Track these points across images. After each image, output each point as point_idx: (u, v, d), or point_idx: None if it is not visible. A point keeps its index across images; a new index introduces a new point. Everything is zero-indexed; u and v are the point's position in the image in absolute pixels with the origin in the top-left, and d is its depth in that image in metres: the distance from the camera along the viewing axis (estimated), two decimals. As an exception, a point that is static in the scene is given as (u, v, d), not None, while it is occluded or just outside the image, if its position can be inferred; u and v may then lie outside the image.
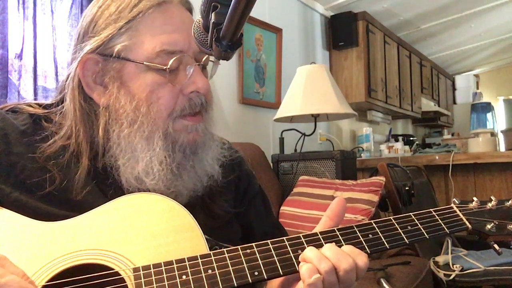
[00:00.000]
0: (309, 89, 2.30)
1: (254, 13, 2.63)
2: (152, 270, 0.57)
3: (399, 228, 0.66)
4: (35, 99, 1.54)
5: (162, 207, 0.64)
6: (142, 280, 0.56)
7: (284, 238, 0.62)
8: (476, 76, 6.73)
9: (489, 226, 0.70)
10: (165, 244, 0.61)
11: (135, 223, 0.63)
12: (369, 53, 3.54)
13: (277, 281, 0.68)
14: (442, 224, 0.69)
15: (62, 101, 0.74)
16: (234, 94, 2.60)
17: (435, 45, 4.96)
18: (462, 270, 1.86)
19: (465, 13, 4.02)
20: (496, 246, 0.70)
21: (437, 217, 0.69)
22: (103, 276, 0.57)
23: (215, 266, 0.58)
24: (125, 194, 0.68)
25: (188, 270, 0.57)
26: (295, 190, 2.17)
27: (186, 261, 0.58)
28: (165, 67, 0.68)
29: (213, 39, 0.52)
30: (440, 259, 1.97)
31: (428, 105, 5.00)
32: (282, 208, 2.10)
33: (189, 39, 0.70)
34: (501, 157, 2.81)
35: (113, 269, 0.58)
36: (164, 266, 0.57)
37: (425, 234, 0.67)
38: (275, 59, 2.90)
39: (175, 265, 0.57)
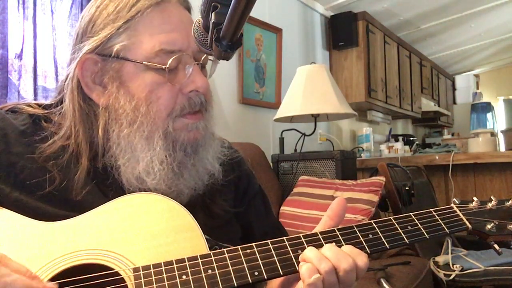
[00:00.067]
0: (309, 89, 2.30)
1: (254, 13, 2.63)
2: (152, 270, 0.57)
3: (399, 228, 0.66)
4: (35, 99, 1.54)
5: (162, 207, 0.64)
6: (142, 280, 0.56)
7: (284, 238, 0.62)
8: (476, 76, 6.73)
9: (489, 226, 0.70)
10: (165, 244, 0.61)
11: (135, 223, 0.63)
12: (369, 53, 3.54)
13: (277, 281, 0.68)
14: (442, 224, 0.69)
15: (61, 101, 0.74)
16: (234, 94, 2.60)
17: (435, 45, 4.96)
18: (462, 270, 1.86)
19: (465, 13, 4.02)
20: (496, 246, 0.70)
21: (437, 217, 0.69)
22: (103, 276, 0.57)
23: (215, 266, 0.58)
24: (126, 194, 0.68)
25: (188, 270, 0.57)
26: (295, 190, 2.17)
27: (186, 261, 0.58)
28: (164, 67, 0.68)
29: (213, 39, 0.52)
30: (440, 259, 1.97)
31: (428, 105, 5.01)
32: (282, 208, 2.10)
33: (188, 38, 0.70)
34: (501, 157, 2.81)
35: (113, 269, 0.58)
36: (164, 266, 0.57)
37: (425, 234, 0.67)
38: (275, 59, 2.90)
39: (175, 265, 0.57)
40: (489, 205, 0.73)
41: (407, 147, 3.98)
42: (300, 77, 2.40)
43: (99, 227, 0.62)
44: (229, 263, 0.58)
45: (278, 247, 0.61)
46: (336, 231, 0.64)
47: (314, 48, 3.46)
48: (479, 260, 1.92)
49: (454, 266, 1.89)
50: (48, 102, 0.77)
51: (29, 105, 0.75)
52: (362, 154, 3.50)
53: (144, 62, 0.69)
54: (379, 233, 0.65)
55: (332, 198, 1.98)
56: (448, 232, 0.68)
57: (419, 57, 4.83)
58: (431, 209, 0.71)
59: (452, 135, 5.23)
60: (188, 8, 0.76)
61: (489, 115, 5.81)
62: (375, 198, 1.93)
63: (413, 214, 0.69)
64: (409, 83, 4.45)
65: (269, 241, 0.62)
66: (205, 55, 0.73)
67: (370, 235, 0.64)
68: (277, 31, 2.90)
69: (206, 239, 0.63)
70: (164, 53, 0.69)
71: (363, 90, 3.46)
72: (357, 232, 0.64)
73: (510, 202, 0.73)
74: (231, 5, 0.45)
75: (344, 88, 3.47)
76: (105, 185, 0.71)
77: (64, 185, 0.68)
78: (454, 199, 0.74)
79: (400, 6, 3.73)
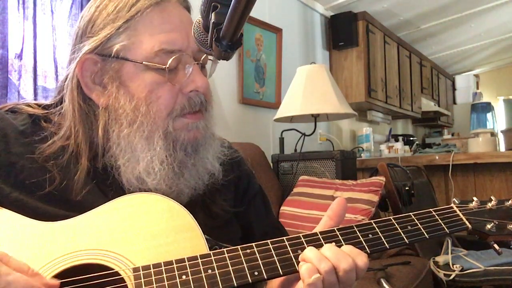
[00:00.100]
0: (309, 89, 2.30)
1: (254, 13, 2.63)
2: (152, 270, 0.57)
3: (399, 228, 0.66)
4: (35, 99, 1.54)
5: (162, 207, 0.64)
6: (142, 280, 0.56)
7: (284, 238, 0.62)
8: (476, 76, 6.73)
9: (489, 226, 0.70)
10: (165, 244, 0.61)
11: (135, 223, 0.63)
12: (369, 53, 3.54)
13: (277, 281, 0.68)
14: (442, 224, 0.69)
15: (61, 101, 0.74)
16: (234, 94, 2.60)
17: (435, 45, 4.96)
18: (462, 270, 1.86)
19: (465, 13, 4.02)
20: (496, 246, 0.70)
21: (437, 217, 0.69)
22: (103, 276, 0.57)
23: (215, 266, 0.58)
24: (126, 194, 0.68)
25: (188, 270, 0.57)
26: (295, 190, 2.17)
27: (186, 261, 0.58)
28: (164, 67, 0.68)
29: (213, 39, 0.52)
30: (440, 259, 1.97)
31: (428, 105, 5.01)
32: (282, 208, 2.10)
33: (188, 38, 0.70)
34: (501, 157, 2.81)
35: (113, 269, 0.58)
36: (164, 266, 0.57)
37: (425, 234, 0.67)
38: (275, 59, 2.90)
39: (175, 265, 0.57)
40: (489, 205, 0.73)
41: (407, 147, 3.98)
42: (300, 77, 2.40)
43: (99, 227, 0.62)
44: (229, 263, 0.58)
45: (278, 247, 0.61)
46: (336, 231, 0.64)
47: (314, 48, 3.46)
48: (479, 260, 1.92)
49: (454, 266, 1.89)
50: (48, 102, 0.77)
51: (28, 105, 0.75)
52: (362, 154, 3.50)
53: (144, 62, 0.68)
54: (379, 233, 0.65)
55: (332, 198, 1.98)
56: (448, 232, 0.68)
57: (419, 57, 4.83)
58: (431, 209, 0.71)
59: (452, 135, 5.23)
60: (188, 8, 0.76)
61: (489, 115, 5.81)
62: (375, 198, 1.93)
63: (413, 214, 0.69)
64: (409, 83, 4.45)
65: (269, 241, 0.62)
66: (205, 55, 0.73)
67: (370, 235, 0.64)
68: (277, 31, 2.90)
69: (206, 239, 0.63)
70: (164, 53, 0.69)
71: (363, 90, 3.46)
72: (357, 232, 0.64)
73: (510, 202, 0.73)
74: (231, 5, 0.45)
75: (344, 88, 3.47)
76: (105, 185, 0.71)
77: (64, 185, 0.68)
78: (454, 199, 0.74)
79: (400, 6, 3.73)
